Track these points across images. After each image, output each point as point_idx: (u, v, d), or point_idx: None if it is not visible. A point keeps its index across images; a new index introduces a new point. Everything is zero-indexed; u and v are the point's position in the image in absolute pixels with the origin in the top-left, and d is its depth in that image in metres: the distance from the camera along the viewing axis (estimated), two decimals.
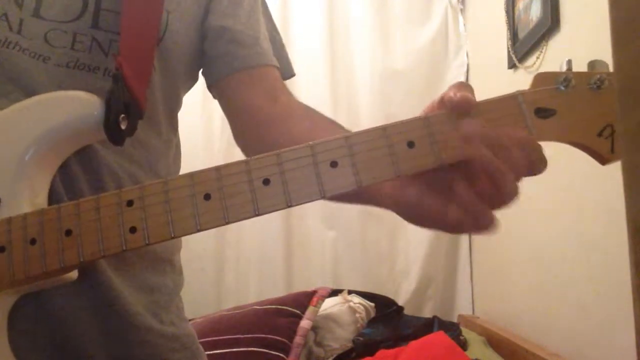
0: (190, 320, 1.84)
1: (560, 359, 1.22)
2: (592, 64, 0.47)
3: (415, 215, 0.48)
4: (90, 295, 0.56)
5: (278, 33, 0.77)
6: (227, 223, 0.44)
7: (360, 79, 2.16)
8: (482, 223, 0.44)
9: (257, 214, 0.44)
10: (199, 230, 0.44)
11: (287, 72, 0.76)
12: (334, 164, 0.44)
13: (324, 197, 0.44)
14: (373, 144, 0.44)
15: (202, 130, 2.10)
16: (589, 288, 1.16)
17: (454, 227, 0.45)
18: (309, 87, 2.11)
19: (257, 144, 0.66)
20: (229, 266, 2.08)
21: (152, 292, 0.62)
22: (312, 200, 0.44)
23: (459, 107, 0.45)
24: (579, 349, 1.19)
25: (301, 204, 0.44)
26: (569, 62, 0.47)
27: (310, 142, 0.45)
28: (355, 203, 0.56)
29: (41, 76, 0.55)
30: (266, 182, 0.44)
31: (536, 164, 0.44)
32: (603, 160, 0.46)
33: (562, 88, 0.46)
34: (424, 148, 0.45)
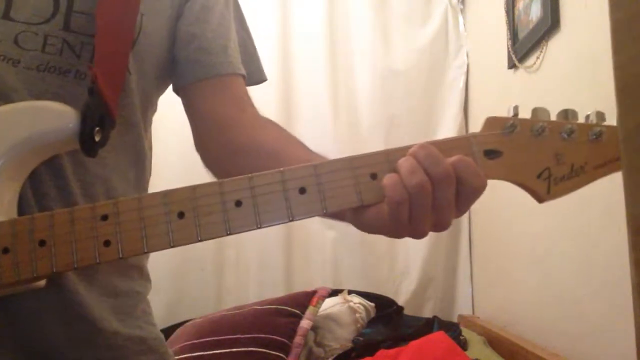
0: (190, 320, 1.84)
1: (560, 359, 1.22)
2: (535, 112, 0.52)
3: (374, 230, 0.50)
4: (55, 299, 0.56)
5: (250, 36, 0.77)
6: (200, 240, 0.47)
7: (360, 79, 2.16)
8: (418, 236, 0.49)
9: (229, 233, 0.47)
10: (172, 247, 0.46)
11: (258, 77, 0.77)
12: (302, 191, 0.47)
13: (292, 221, 0.47)
14: (340, 174, 0.48)
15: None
16: (589, 288, 1.16)
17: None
18: (309, 88, 2.11)
19: (221, 149, 0.68)
20: (229, 266, 2.08)
21: (116, 296, 0.62)
22: (281, 223, 0.48)
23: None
24: (579, 349, 1.19)
25: (270, 225, 0.47)
26: (516, 107, 0.52)
27: (281, 168, 0.48)
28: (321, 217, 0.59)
29: (11, 80, 0.54)
30: (238, 203, 0.47)
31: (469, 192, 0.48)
32: (539, 199, 0.52)
33: (509, 133, 0.51)
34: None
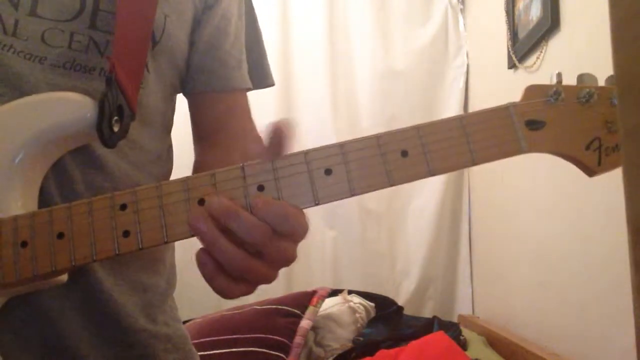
0: (190, 320, 1.84)
1: (560, 358, 1.22)
2: (581, 78, 0.48)
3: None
4: (81, 296, 0.56)
5: (260, 40, 0.78)
6: None
7: (360, 79, 2.16)
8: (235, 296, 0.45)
9: None
10: (193, 236, 0.44)
11: (266, 81, 0.78)
12: (328, 172, 0.44)
13: (317, 204, 0.44)
14: (367, 152, 0.45)
15: None
16: (589, 288, 1.16)
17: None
18: (309, 87, 2.11)
19: (206, 156, 0.71)
20: None
21: (145, 292, 0.62)
22: (306, 207, 0.45)
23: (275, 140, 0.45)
24: (579, 349, 1.19)
25: None
26: (559, 74, 0.47)
27: (305, 149, 0.45)
28: None
29: (36, 78, 0.54)
30: (260, 188, 0.44)
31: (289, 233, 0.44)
32: (590, 172, 0.48)
33: (552, 101, 0.46)
34: (417, 157, 0.45)
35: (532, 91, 0.47)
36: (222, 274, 0.43)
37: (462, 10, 2.18)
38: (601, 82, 0.48)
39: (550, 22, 1.30)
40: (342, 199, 0.45)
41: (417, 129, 0.45)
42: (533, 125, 0.46)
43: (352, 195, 0.44)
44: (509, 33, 1.62)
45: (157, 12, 0.60)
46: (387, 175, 0.44)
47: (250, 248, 0.43)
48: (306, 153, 0.45)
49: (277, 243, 0.43)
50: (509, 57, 1.61)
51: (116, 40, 0.56)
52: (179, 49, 0.66)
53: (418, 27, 2.19)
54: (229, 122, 0.71)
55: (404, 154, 0.45)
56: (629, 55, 0.27)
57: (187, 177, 0.45)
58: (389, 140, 0.45)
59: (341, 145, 0.45)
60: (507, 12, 1.65)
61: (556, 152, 0.47)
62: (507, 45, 1.62)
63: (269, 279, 0.46)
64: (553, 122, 0.46)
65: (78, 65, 0.57)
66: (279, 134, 0.44)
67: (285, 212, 0.43)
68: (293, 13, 2.17)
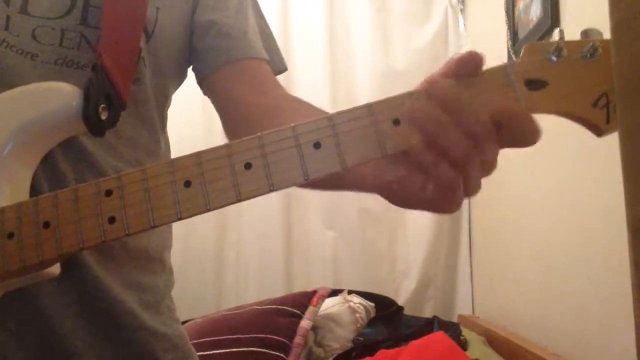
0: (190, 320, 1.84)
1: (560, 359, 1.22)
2: (585, 33, 0.45)
3: (398, 197, 0.45)
4: (77, 293, 0.56)
5: (268, 27, 0.76)
6: (209, 210, 0.43)
7: (360, 79, 2.16)
8: (456, 199, 0.42)
9: (239, 199, 0.43)
10: (179, 219, 0.43)
11: (279, 67, 0.75)
12: (317, 145, 0.43)
13: (307, 180, 0.42)
14: (358, 122, 0.43)
15: (202, 126, 2.09)
16: (589, 288, 1.16)
17: (437, 207, 0.43)
18: (309, 88, 2.11)
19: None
20: (229, 266, 2.08)
21: (142, 291, 0.62)
22: (296, 184, 0.43)
23: (461, 66, 0.43)
24: (579, 349, 1.19)
25: (284, 187, 0.43)
26: (561, 31, 0.45)
27: (292, 124, 0.43)
28: (335, 189, 0.55)
29: (28, 74, 0.54)
30: (248, 166, 0.43)
31: (521, 137, 0.41)
32: (599, 131, 0.44)
33: (554, 58, 0.44)
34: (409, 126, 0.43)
35: (532, 49, 0.44)
36: (446, 160, 0.40)
37: (462, 10, 2.18)
38: (607, 36, 0.45)
39: (550, 22, 1.30)
40: (332, 172, 0.43)
41: (411, 94, 0.44)
42: (533, 84, 0.43)
43: (344, 168, 0.43)
44: (509, 33, 1.62)
45: (148, 5, 0.60)
46: (380, 145, 0.43)
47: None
48: (294, 127, 0.43)
49: (494, 144, 0.41)
50: (509, 57, 1.61)
51: (104, 31, 0.56)
52: (174, 41, 0.65)
53: (418, 27, 2.19)
54: (259, 96, 0.66)
55: (397, 122, 0.43)
56: (629, 55, 0.27)
57: (173, 159, 0.44)
58: (381, 109, 0.43)
59: (330, 118, 0.43)
60: (507, 12, 1.65)
61: (560, 112, 0.44)
62: (507, 45, 1.62)
63: (478, 183, 0.42)
64: (555, 80, 0.43)
65: (70, 62, 0.57)
66: (476, 60, 0.42)
67: (535, 125, 0.40)
68: (293, 12, 2.17)
